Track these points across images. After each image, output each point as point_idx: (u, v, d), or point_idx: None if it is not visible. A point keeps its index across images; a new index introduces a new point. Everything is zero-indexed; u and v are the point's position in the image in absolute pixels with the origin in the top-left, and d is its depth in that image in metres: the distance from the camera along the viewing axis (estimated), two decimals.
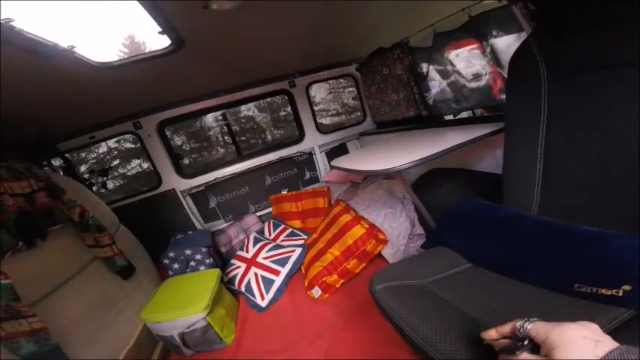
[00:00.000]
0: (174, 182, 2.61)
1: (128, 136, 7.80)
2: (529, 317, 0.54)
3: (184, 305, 1.52)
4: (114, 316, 1.47)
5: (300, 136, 2.90)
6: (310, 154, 2.94)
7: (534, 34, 1.14)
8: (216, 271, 1.86)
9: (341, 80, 7.45)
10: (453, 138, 1.46)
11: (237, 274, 2.12)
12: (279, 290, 1.96)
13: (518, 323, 0.54)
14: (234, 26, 1.43)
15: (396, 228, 2.00)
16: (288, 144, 2.91)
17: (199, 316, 1.48)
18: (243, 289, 2.03)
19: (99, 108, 1.98)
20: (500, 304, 0.84)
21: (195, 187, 2.68)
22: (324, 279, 1.81)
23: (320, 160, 2.94)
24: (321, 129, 2.91)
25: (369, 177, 2.55)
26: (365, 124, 3.00)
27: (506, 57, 1.59)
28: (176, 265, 2.00)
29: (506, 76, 1.64)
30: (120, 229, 1.97)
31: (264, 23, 1.49)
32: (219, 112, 3.57)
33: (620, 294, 0.72)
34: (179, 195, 2.62)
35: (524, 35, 1.42)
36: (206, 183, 2.72)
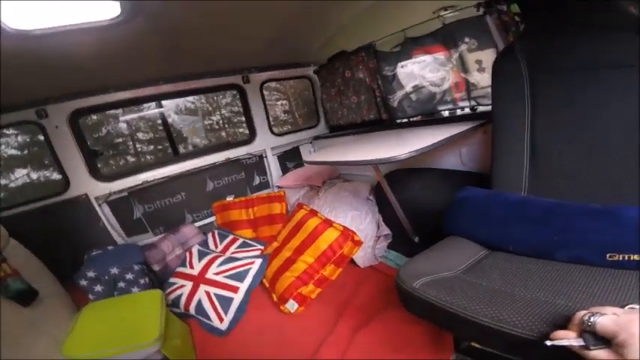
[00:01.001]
0: (87, 186, 2.04)
1: (12, 140, 5.96)
2: (591, 309, 0.52)
3: (127, 337, 1.10)
4: (21, 355, 1.00)
5: (251, 137, 2.63)
6: (261, 157, 2.68)
7: (519, 39, 1.25)
8: (158, 292, 1.44)
9: (273, 92, 7.34)
10: (426, 137, 1.47)
11: (181, 294, 1.70)
12: (240, 309, 1.63)
13: (585, 317, 0.51)
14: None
15: (363, 230, 1.93)
16: (237, 144, 2.60)
17: (151, 348, 1.09)
18: (192, 311, 1.62)
19: None
20: (543, 285, 0.80)
21: (116, 192, 2.13)
22: (298, 290, 1.58)
23: (272, 163, 2.71)
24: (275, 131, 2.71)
25: (330, 180, 2.45)
26: (319, 127, 2.92)
27: (476, 63, 1.73)
28: (99, 288, 1.49)
29: (470, 80, 1.80)
30: (10, 244, 1.38)
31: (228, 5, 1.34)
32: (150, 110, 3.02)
33: None
34: (93, 202, 2.04)
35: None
36: (130, 188, 2.19)
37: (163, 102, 2.44)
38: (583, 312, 0.53)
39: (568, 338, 0.52)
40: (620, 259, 0.80)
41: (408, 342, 1.21)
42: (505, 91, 1.24)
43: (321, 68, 2.61)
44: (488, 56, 1.73)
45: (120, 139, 6.67)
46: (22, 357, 1.03)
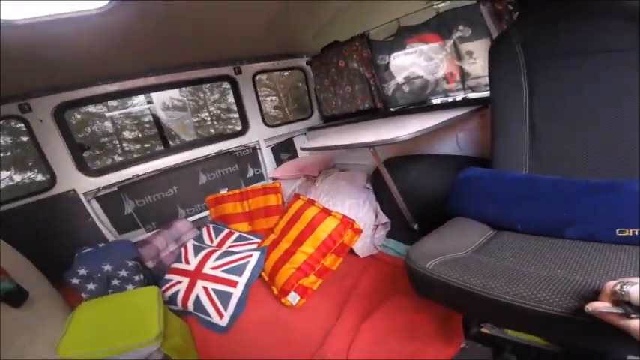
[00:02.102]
0: (75, 181, 1.94)
1: None
2: (620, 279, 0.51)
3: (125, 335, 1.04)
4: (15, 357, 0.94)
5: (244, 128, 2.56)
6: (254, 149, 2.62)
7: (513, 26, 1.26)
8: (154, 289, 1.38)
9: (263, 88, 7.25)
10: (425, 121, 1.47)
11: (178, 290, 1.64)
12: (240, 304, 1.59)
13: (617, 287, 0.50)
14: None
15: (362, 219, 1.91)
16: (230, 136, 2.53)
17: (151, 347, 1.04)
18: (191, 308, 1.57)
19: None
20: (557, 262, 0.79)
21: (106, 187, 2.04)
22: (299, 282, 1.55)
23: (265, 155, 2.65)
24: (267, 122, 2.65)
25: (326, 170, 2.42)
26: (312, 119, 2.87)
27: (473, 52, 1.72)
28: (91, 286, 1.42)
29: (465, 68, 1.80)
30: None
31: None
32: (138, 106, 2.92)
33: None
34: (82, 198, 1.95)
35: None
36: (120, 182, 2.10)
37: (155, 97, 2.36)
38: (613, 282, 0.51)
39: (602, 308, 0.50)
40: (631, 234, 0.80)
41: (416, 330, 1.19)
42: (502, 75, 1.25)
43: (314, 59, 2.56)
44: (479, 46, 1.75)
45: (106, 139, 6.48)
46: (16, 358, 0.96)
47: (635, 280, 0.50)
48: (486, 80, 1.43)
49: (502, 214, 1.00)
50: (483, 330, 1.05)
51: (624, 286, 0.49)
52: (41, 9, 1.12)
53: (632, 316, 0.47)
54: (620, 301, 0.49)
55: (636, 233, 0.79)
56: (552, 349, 0.94)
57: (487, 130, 1.30)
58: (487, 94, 1.54)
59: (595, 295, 0.55)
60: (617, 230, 0.81)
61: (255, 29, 1.97)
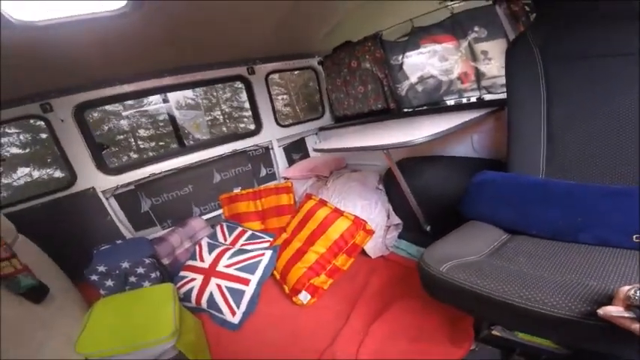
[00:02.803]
0: (94, 179, 2.00)
1: (14, 139, 5.89)
2: (634, 284, 0.52)
3: (142, 332, 1.09)
4: (33, 353, 0.97)
5: (257, 128, 2.60)
6: (267, 149, 2.66)
7: (531, 27, 1.24)
8: (170, 286, 1.43)
9: (274, 87, 7.29)
10: (440, 123, 1.46)
11: (192, 287, 1.69)
12: (252, 302, 1.62)
13: (630, 292, 0.50)
14: None
15: (374, 219, 1.91)
16: (243, 136, 2.57)
17: (167, 344, 1.07)
18: (204, 305, 1.61)
19: None
20: (571, 267, 0.79)
21: (123, 185, 2.11)
22: (311, 281, 1.57)
23: (278, 155, 2.68)
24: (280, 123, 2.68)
25: (337, 170, 2.43)
26: (324, 119, 2.89)
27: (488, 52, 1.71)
28: (110, 282, 1.48)
29: (480, 69, 1.78)
30: (19, 239, 1.37)
31: None
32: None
33: None
34: (100, 196, 2.01)
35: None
36: (137, 181, 2.16)
37: (170, 96, 2.42)
38: (627, 287, 0.52)
39: (615, 313, 0.51)
40: None
41: (426, 332, 1.20)
42: (520, 77, 1.23)
43: (325, 59, 2.57)
44: (494, 46, 1.72)
45: (121, 136, 6.65)
46: (34, 356, 1.00)
47: None
48: (502, 80, 1.41)
49: (517, 218, 1.00)
50: (494, 332, 1.05)
51: (638, 291, 0.49)
52: (61, 10, 1.16)
53: None
54: (634, 305, 0.49)
55: None
56: (561, 351, 0.94)
57: (503, 132, 1.29)
58: (502, 95, 1.53)
59: (608, 300, 0.56)
60: (634, 236, 0.80)
61: (268, 30, 1.99)
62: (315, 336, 1.34)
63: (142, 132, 6.91)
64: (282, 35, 2.10)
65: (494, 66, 1.75)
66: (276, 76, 4.17)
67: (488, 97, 1.81)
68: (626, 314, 0.50)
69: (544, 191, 0.97)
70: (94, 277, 1.48)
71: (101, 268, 1.48)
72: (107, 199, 2.06)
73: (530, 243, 0.94)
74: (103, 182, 2.04)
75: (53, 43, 1.32)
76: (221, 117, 7.76)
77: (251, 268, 1.76)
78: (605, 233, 0.85)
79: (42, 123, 1.91)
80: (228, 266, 1.77)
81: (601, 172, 1.02)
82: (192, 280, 1.73)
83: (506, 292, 0.69)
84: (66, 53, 1.45)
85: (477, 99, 1.85)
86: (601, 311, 0.54)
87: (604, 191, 0.89)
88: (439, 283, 0.81)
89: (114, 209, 2.08)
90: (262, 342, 1.39)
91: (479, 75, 1.79)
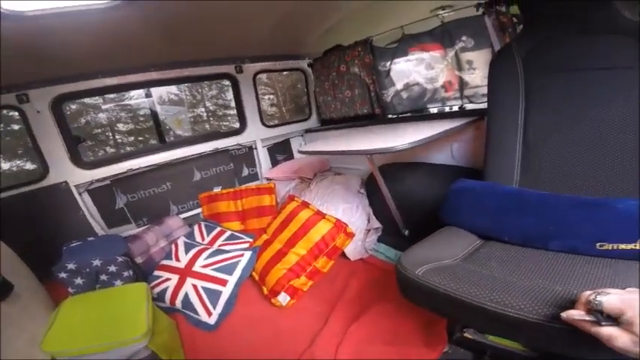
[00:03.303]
0: (68, 173, 1.92)
1: None
2: (596, 289, 0.55)
3: (113, 332, 1.04)
4: None
5: (242, 127, 2.56)
6: (250, 149, 2.63)
7: (516, 39, 1.28)
8: (144, 286, 1.38)
9: (261, 87, 7.25)
10: (422, 130, 1.49)
11: (167, 287, 1.64)
12: (230, 302, 1.59)
13: (591, 297, 0.53)
14: None
15: (355, 223, 1.93)
16: (226, 134, 2.53)
17: (139, 344, 1.03)
18: (179, 305, 1.57)
19: None
20: (540, 273, 0.82)
21: (98, 180, 2.03)
22: (290, 283, 1.56)
23: (262, 155, 2.65)
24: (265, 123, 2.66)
25: (321, 172, 2.43)
26: (310, 121, 2.89)
27: (473, 62, 1.76)
28: (79, 280, 1.41)
29: (464, 78, 1.83)
30: None
31: None
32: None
33: (637, 247, 0.80)
34: (73, 190, 1.93)
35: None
36: (113, 176, 2.08)
37: (152, 91, 2.35)
38: (589, 292, 0.55)
39: (578, 317, 0.53)
40: (610, 248, 0.83)
41: (401, 334, 1.22)
42: (501, 88, 1.27)
43: (315, 61, 2.58)
44: (480, 56, 1.77)
45: (99, 130, 6.38)
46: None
47: (609, 290, 0.53)
48: (484, 90, 1.44)
49: (491, 225, 1.03)
50: (466, 335, 1.08)
51: (598, 296, 0.52)
52: (53, 1, 1.13)
53: (604, 324, 0.50)
54: (594, 309, 0.52)
55: (616, 248, 0.82)
56: (530, 354, 0.97)
57: (481, 141, 1.33)
58: (483, 105, 1.58)
59: (572, 305, 0.58)
60: (598, 244, 0.85)
61: (260, 30, 1.98)
62: (293, 337, 1.33)
63: (120, 126, 6.66)
64: (278, 35, 2.09)
65: (477, 76, 1.80)
66: (263, 75, 4.14)
67: (469, 106, 1.86)
68: (587, 318, 0.53)
69: (519, 200, 1.01)
70: (63, 275, 1.41)
71: (70, 266, 1.41)
72: (80, 194, 1.97)
73: (502, 249, 0.97)
74: (77, 176, 1.96)
75: (41, 33, 1.28)
76: (205, 114, 7.60)
77: (229, 269, 1.73)
78: (574, 242, 0.89)
79: (16, 113, 1.82)
80: (205, 266, 1.73)
81: (573, 183, 1.06)
82: (167, 279, 1.68)
83: (478, 295, 0.71)
84: (53, 44, 1.41)
85: (459, 108, 1.91)
86: (564, 315, 0.57)
87: (574, 202, 0.93)
88: (415, 286, 0.83)
89: (87, 205, 2.00)
90: (240, 343, 1.37)
91: (462, 84, 1.85)
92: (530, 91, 1.20)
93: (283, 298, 1.53)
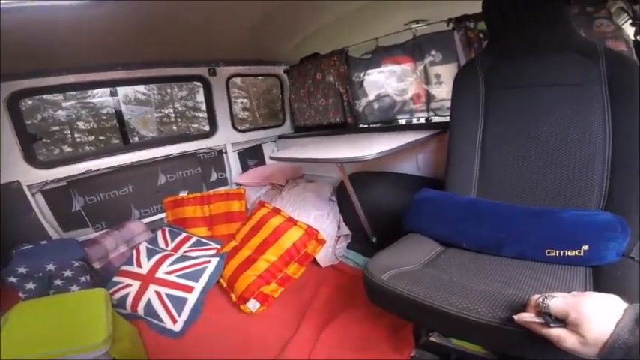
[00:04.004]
0: (21, 173, 1.79)
1: None
2: (545, 293, 0.59)
3: (70, 338, 0.98)
4: None
5: (212, 130, 2.51)
6: (220, 153, 2.57)
7: (480, 55, 1.36)
8: (102, 291, 1.30)
9: (234, 90, 7.13)
10: (391, 141, 1.55)
11: (128, 293, 1.55)
12: (196, 309, 1.54)
13: (540, 300, 0.58)
14: None
15: (325, 230, 1.95)
16: (196, 137, 2.46)
17: (99, 351, 0.97)
18: (141, 312, 1.49)
19: None
20: (494, 277, 0.89)
21: (54, 181, 1.90)
22: (260, 289, 1.54)
23: (232, 160, 2.61)
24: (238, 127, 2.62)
25: (293, 179, 2.44)
26: (284, 127, 2.89)
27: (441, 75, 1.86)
28: (31, 285, 1.32)
29: (431, 92, 1.94)
30: None
31: None
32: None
33: (582, 253, 0.89)
34: (26, 191, 1.79)
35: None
36: (70, 177, 1.95)
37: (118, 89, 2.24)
38: (537, 296, 0.59)
39: (529, 319, 0.58)
40: (557, 254, 0.92)
41: (370, 339, 1.24)
42: (463, 102, 1.34)
43: (292, 68, 2.60)
44: (447, 70, 1.88)
45: (57, 128, 5.90)
46: None
47: (556, 294, 0.58)
48: (449, 104, 1.52)
49: (450, 232, 1.10)
50: (432, 339, 1.13)
51: (546, 299, 0.57)
52: None
53: (552, 325, 0.54)
54: (543, 312, 0.56)
55: (562, 254, 0.91)
56: (490, 357, 1.02)
57: (444, 153, 1.39)
58: (447, 118, 1.67)
59: (523, 307, 0.63)
60: (546, 251, 0.93)
61: (236, 33, 1.97)
62: (264, 344, 1.32)
63: (80, 124, 6.20)
64: (255, 39, 2.09)
65: (444, 89, 1.89)
66: (238, 79, 4.09)
67: (435, 119, 1.97)
68: (537, 320, 0.57)
69: (474, 210, 1.09)
70: (13, 279, 1.31)
71: (21, 270, 1.31)
72: (34, 194, 1.84)
73: (460, 255, 1.04)
74: (31, 176, 1.83)
75: (9, 27, 1.19)
76: (173, 115, 7.31)
77: (195, 275, 1.68)
78: (524, 248, 0.97)
79: None
80: (169, 273, 1.67)
81: (524, 192, 1.15)
82: (128, 285, 1.60)
83: (439, 299, 0.75)
84: (15, 39, 1.31)
85: (425, 120, 2.01)
86: (516, 317, 0.61)
87: (524, 212, 1.02)
88: (381, 291, 0.86)
89: (40, 206, 1.86)
90: (208, 350, 1.33)
91: (429, 97, 1.95)
92: (489, 106, 1.27)
93: (253, 305, 1.50)
